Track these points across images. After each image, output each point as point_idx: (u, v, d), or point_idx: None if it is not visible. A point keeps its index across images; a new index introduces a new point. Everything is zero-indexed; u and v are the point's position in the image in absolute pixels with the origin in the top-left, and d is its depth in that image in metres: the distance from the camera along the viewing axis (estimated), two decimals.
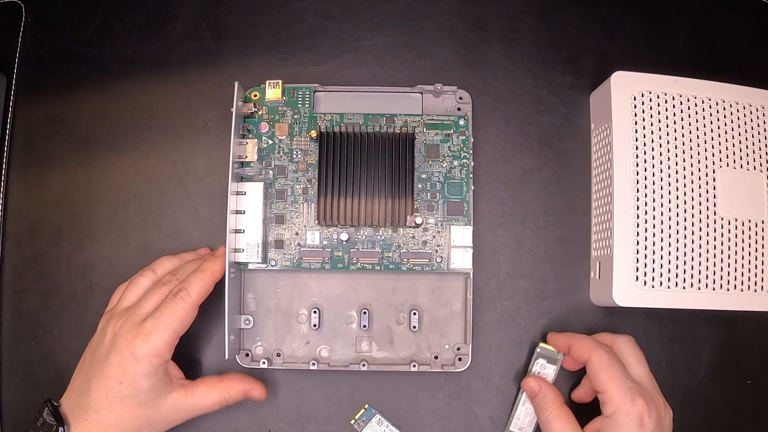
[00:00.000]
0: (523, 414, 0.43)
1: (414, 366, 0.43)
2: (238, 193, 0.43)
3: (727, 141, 0.43)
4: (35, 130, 0.47)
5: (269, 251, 0.44)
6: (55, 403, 0.38)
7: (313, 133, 0.44)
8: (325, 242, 0.44)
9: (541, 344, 0.43)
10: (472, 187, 0.45)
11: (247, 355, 0.44)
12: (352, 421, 0.44)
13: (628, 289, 0.41)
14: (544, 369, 0.43)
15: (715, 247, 0.41)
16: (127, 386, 0.37)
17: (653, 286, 0.41)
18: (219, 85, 0.47)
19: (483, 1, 0.48)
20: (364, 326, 0.44)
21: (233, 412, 0.44)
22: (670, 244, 0.41)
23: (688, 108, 0.43)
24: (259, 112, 0.45)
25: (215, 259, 0.41)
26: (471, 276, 0.44)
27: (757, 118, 0.43)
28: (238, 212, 0.43)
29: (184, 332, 0.39)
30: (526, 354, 0.45)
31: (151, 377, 0.37)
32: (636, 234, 0.41)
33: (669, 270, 0.41)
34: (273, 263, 0.44)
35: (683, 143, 0.42)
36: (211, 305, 0.45)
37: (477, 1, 0.48)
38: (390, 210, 0.43)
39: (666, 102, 0.42)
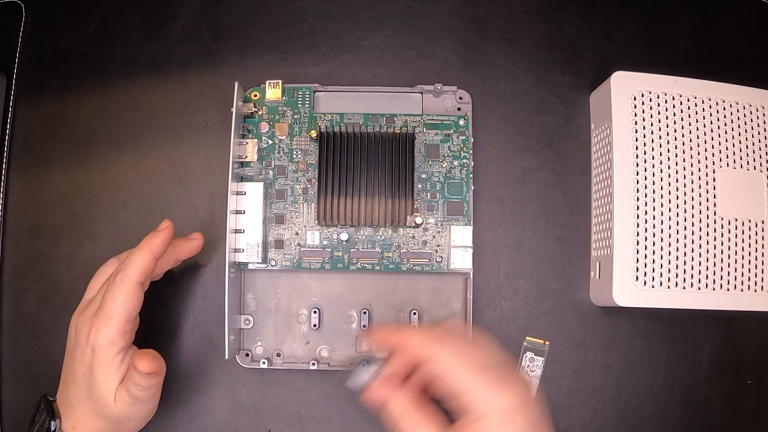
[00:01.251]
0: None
1: None
2: (238, 193, 0.43)
3: (727, 141, 0.43)
4: (35, 130, 0.47)
5: (269, 251, 0.44)
6: (51, 399, 0.38)
7: (313, 133, 0.44)
8: (325, 242, 0.44)
9: (528, 338, 0.44)
10: (472, 187, 0.45)
11: (247, 355, 0.44)
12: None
13: (628, 289, 0.41)
14: (533, 362, 0.44)
15: (715, 247, 0.41)
16: (88, 378, 0.37)
17: (653, 286, 0.41)
18: (219, 85, 0.46)
19: (483, 1, 0.48)
20: (364, 326, 0.44)
21: (233, 411, 0.44)
22: (670, 244, 0.41)
23: (688, 108, 0.43)
24: (259, 112, 0.45)
25: (155, 234, 0.38)
26: (471, 276, 0.44)
27: (757, 118, 0.43)
28: (238, 212, 0.43)
29: (134, 315, 0.37)
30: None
31: (105, 368, 0.36)
32: (636, 234, 0.41)
33: (669, 270, 0.41)
34: (273, 263, 0.44)
35: (683, 143, 0.42)
36: (211, 305, 0.45)
37: (477, 1, 0.48)
38: (390, 210, 0.43)
39: (666, 102, 0.42)
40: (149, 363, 0.36)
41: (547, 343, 0.44)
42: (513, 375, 0.32)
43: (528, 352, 0.44)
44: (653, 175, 0.42)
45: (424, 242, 0.44)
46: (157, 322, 0.44)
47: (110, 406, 0.36)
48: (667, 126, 0.42)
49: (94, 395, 0.36)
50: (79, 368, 0.37)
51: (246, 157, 0.44)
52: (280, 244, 0.44)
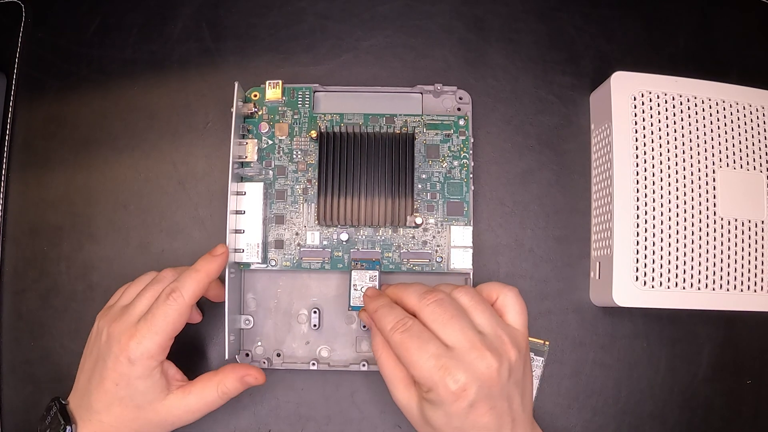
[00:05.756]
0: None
1: None
2: (238, 194, 0.43)
3: (727, 141, 0.43)
4: (35, 130, 0.47)
5: (269, 251, 0.44)
6: (63, 402, 0.38)
7: (313, 134, 0.44)
8: (325, 242, 0.44)
9: (528, 338, 0.38)
10: (472, 187, 0.45)
11: (247, 355, 0.44)
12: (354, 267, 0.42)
13: (628, 289, 0.41)
14: (533, 362, 0.43)
15: (715, 247, 0.41)
16: (123, 388, 0.37)
17: (653, 286, 0.41)
18: (219, 85, 0.47)
19: (483, 1, 0.48)
20: (364, 326, 0.44)
21: (233, 412, 0.44)
22: (670, 244, 0.41)
23: (688, 108, 0.43)
24: (259, 113, 0.45)
25: (212, 259, 0.39)
26: (471, 276, 0.44)
27: (757, 118, 0.43)
28: (238, 212, 0.43)
29: (177, 333, 0.38)
30: None
31: (145, 379, 0.37)
32: (636, 234, 0.41)
33: (669, 270, 0.41)
34: (273, 263, 0.44)
35: (683, 143, 0.42)
36: (211, 305, 0.45)
37: (477, 1, 0.48)
38: (390, 210, 0.43)
39: (666, 102, 0.42)
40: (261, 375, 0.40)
41: (547, 343, 0.44)
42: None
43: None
44: (653, 175, 0.42)
45: (424, 242, 0.44)
46: None
47: (159, 412, 0.37)
48: (667, 126, 0.42)
49: (134, 403, 0.37)
50: (109, 376, 0.37)
51: (246, 157, 0.44)
52: (280, 244, 0.44)
